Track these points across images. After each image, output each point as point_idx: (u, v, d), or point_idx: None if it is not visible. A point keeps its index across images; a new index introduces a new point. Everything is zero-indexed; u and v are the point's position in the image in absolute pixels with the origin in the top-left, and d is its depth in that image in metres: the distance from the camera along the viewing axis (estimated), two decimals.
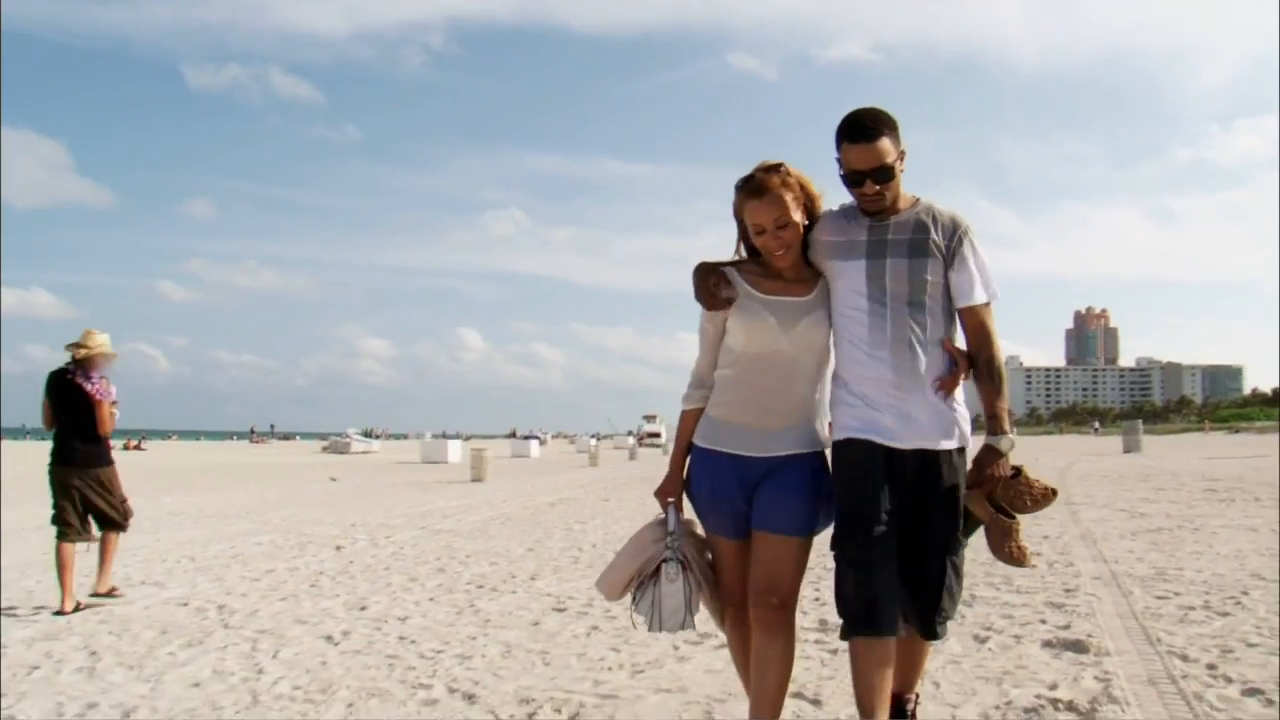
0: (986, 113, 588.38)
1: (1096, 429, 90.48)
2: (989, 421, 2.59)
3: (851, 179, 2.55)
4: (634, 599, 2.72)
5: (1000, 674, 3.70)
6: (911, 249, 2.56)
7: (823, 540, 2.69)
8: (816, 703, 3.38)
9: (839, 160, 2.56)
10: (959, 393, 2.62)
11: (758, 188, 2.56)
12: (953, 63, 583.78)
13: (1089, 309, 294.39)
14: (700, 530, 2.79)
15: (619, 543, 8.10)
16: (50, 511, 5.66)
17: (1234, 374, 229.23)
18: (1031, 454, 28.02)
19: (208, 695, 3.68)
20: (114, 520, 5.77)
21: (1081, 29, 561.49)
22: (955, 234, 2.59)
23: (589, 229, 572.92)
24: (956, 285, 2.59)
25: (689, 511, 2.78)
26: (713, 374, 2.73)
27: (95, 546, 5.80)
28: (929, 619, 2.61)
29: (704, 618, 2.82)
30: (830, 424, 2.70)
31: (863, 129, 2.50)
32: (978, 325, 2.60)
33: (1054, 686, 3.50)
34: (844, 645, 2.62)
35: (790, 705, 3.20)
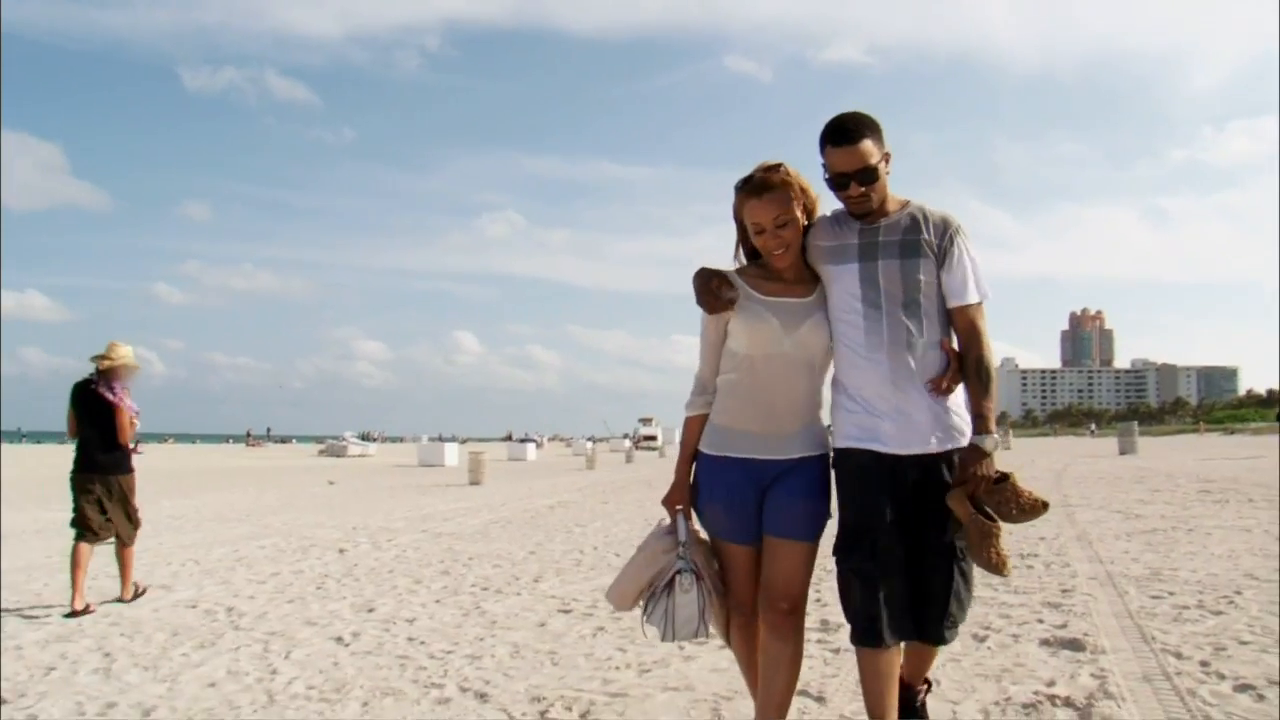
0: (981, 114, 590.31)
1: (1092, 431, 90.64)
2: (975, 421, 2.57)
3: (836, 181, 2.57)
4: (645, 609, 2.70)
5: (999, 671, 3.77)
6: (903, 249, 2.58)
7: (823, 541, 2.70)
8: (821, 700, 3.45)
9: (824, 165, 2.58)
10: (958, 394, 2.63)
11: (758, 187, 2.57)
12: (948, 65, 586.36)
13: (1084, 310, 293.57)
14: (705, 537, 2.77)
15: (620, 545, 8.24)
16: (70, 514, 5.80)
17: (1229, 375, 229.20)
18: (1027, 456, 28.07)
19: (224, 695, 3.75)
20: (124, 535, 5.87)
21: (1076, 31, 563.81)
22: (946, 233, 2.60)
23: (585, 231, 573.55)
24: (948, 285, 2.60)
25: (694, 519, 2.77)
26: (715, 379, 2.72)
27: (112, 551, 5.95)
28: (937, 626, 2.60)
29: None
30: (830, 429, 2.71)
31: (844, 132, 2.53)
32: (968, 325, 2.60)
33: (1051, 683, 3.57)
34: (846, 644, 2.65)
35: (795, 702, 3.24)
